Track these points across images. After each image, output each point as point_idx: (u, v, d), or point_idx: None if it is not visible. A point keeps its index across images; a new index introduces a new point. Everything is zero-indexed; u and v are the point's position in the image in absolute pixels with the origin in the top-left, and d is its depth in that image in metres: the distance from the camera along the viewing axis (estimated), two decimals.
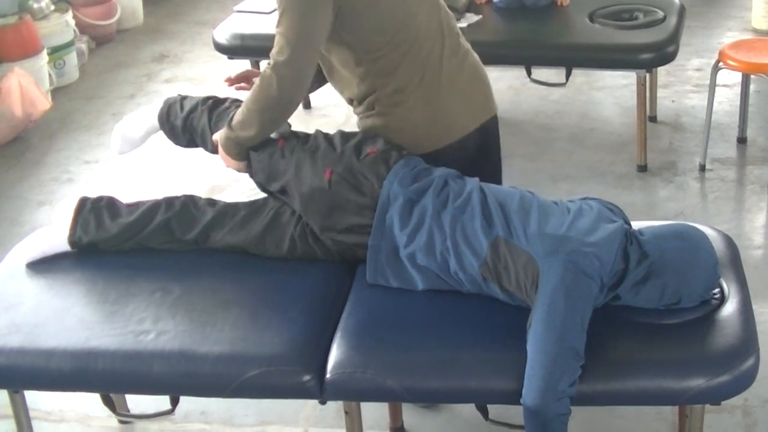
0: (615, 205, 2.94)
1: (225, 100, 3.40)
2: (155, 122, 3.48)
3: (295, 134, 3.17)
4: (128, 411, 3.49)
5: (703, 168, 5.00)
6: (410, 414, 3.39)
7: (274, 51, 2.99)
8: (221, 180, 5.18)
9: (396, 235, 2.89)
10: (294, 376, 2.72)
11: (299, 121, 5.77)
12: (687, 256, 2.76)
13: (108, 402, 3.09)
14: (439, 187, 2.89)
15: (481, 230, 2.79)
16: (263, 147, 3.15)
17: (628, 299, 2.78)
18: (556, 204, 2.87)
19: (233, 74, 3.39)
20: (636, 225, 2.95)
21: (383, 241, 2.90)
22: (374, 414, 3.27)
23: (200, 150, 3.60)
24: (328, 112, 5.95)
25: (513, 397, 2.66)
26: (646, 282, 2.74)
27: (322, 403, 2.79)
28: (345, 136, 3.12)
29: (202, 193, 4.08)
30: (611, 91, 5.92)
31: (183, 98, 3.47)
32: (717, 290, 2.85)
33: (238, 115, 3.12)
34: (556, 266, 2.66)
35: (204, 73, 6.38)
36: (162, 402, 3.09)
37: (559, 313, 2.60)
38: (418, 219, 2.86)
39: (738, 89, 5.26)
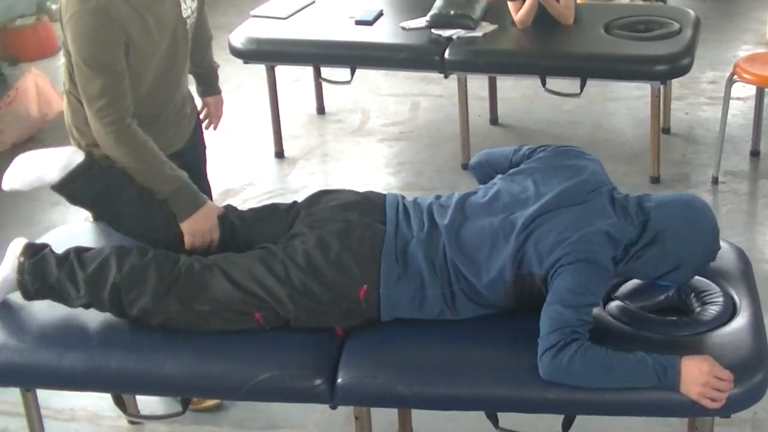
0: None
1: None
2: (49, 180, 3.05)
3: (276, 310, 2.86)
4: (138, 412, 3.50)
5: (715, 180, 5.00)
6: (420, 420, 3.39)
7: None
8: (235, 183, 5.22)
9: (411, 314, 2.85)
10: (305, 380, 2.72)
11: (313, 127, 5.85)
12: (691, 222, 2.79)
13: (119, 402, 3.09)
14: (431, 270, 2.80)
15: (488, 290, 2.79)
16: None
17: (625, 267, 2.79)
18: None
19: None
20: None
21: (393, 315, 2.87)
22: (383, 419, 3.27)
23: (214, 154, 3.61)
24: (342, 117, 5.98)
25: (523, 405, 2.67)
26: (648, 248, 2.77)
27: (333, 407, 2.80)
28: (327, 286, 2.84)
29: (215, 196, 4.09)
30: (625, 102, 5.93)
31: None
32: (721, 296, 2.87)
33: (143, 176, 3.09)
34: (561, 264, 2.68)
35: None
36: (172, 404, 3.10)
37: (561, 299, 2.63)
38: (433, 313, 2.83)
39: (752, 102, 5.27)
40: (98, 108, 3.02)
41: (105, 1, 2.95)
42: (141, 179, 3.08)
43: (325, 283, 2.80)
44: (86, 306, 2.92)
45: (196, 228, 3.08)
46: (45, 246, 3.02)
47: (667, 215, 2.80)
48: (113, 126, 3.02)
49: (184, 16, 3.25)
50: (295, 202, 3.09)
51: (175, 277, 2.87)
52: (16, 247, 3.00)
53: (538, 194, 2.85)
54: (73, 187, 3.06)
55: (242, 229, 3.06)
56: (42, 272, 2.93)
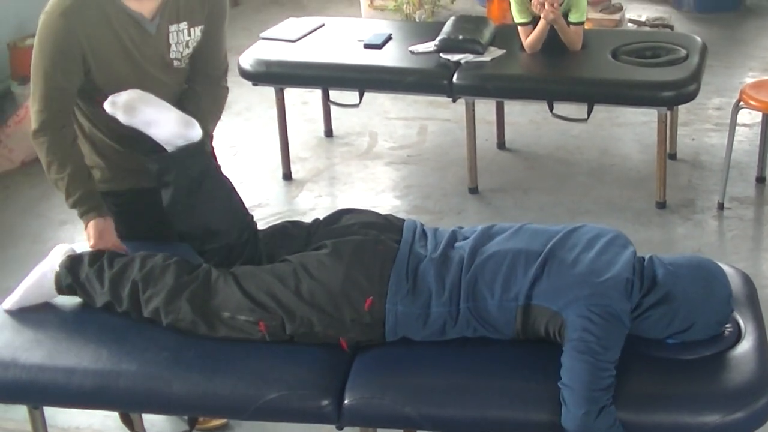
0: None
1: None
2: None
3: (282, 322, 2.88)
4: (145, 431, 3.51)
5: (721, 206, 5.02)
6: None
7: None
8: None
9: (414, 332, 2.87)
10: (312, 401, 2.74)
11: (321, 149, 5.87)
12: (701, 286, 2.78)
13: (126, 420, 3.11)
14: (440, 288, 2.82)
15: (498, 312, 2.79)
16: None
17: (634, 326, 2.78)
18: (563, 241, 2.86)
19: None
20: None
21: (398, 334, 2.88)
22: None
23: (230, 172, 3.62)
24: (350, 140, 6.00)
25: (530, 428, 2.68)
26: (656, 308, 2.76)
27: (339, 428, 2.80)
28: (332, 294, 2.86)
29: None
30: (632, 127, 5.95)
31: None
32: (729, 325, 2.86)
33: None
34: (580, 312, 2.68)
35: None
36: (179, 423, 3.11)
37: (590, 350, 2.63)
38: (435, 327, 2.84)
39: (758, 129, 5.28)
40: (33, 111, 3.15)
41: (77, 8, 2.99)
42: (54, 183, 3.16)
43: (331, 290, 2.83)
44: (108, 304, 3.00)
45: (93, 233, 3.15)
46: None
47: (676, 275, 2.80)
48: (38, 134, 3.12)
49: (172, 57, 3.21)
50: (317, 219, 3.13)
51: (191, 280, 2.93)
52: (64, 246, 3.16)
53: (566, 231, 2.89)
54: (178, 162, 3.01)
55: (264, 241, 3.08)
56: (76, 268, 3.06)
